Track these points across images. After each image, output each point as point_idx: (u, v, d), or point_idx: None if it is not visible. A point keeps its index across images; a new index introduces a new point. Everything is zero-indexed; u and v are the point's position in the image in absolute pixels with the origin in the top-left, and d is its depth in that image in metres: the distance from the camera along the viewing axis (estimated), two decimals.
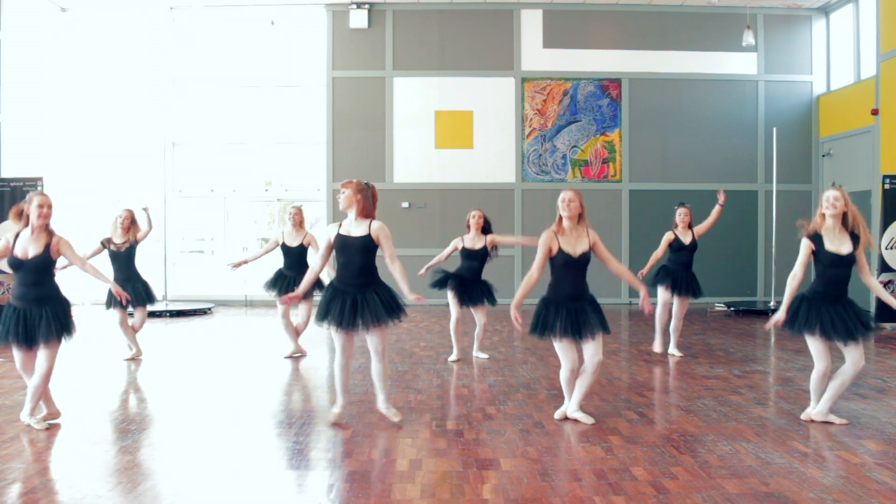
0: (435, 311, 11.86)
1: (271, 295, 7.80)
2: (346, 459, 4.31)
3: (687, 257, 7.53)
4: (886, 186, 9.75)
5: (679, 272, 7.51)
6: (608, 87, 13.27)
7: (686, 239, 7.54)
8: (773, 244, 12.08)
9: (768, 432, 4.82)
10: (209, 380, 6.75)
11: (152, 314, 11.17)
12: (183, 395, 6.14)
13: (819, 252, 4.85)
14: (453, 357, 7.53)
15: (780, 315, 4.99)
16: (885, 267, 9.73)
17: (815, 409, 5.05)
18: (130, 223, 7.68)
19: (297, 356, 7.81)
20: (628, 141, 13.21)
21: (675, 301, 7.61)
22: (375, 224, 4.92)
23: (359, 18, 12.96)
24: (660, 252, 7.54)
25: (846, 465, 4.17)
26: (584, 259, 4.92)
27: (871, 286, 4.98)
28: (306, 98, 13.35)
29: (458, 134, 13.18)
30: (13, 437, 4.73)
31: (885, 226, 9.72)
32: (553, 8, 13.20)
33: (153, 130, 13.23)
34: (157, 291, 8.18)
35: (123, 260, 7.58)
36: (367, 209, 4.94)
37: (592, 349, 4.97)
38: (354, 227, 4.91)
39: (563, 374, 5.08)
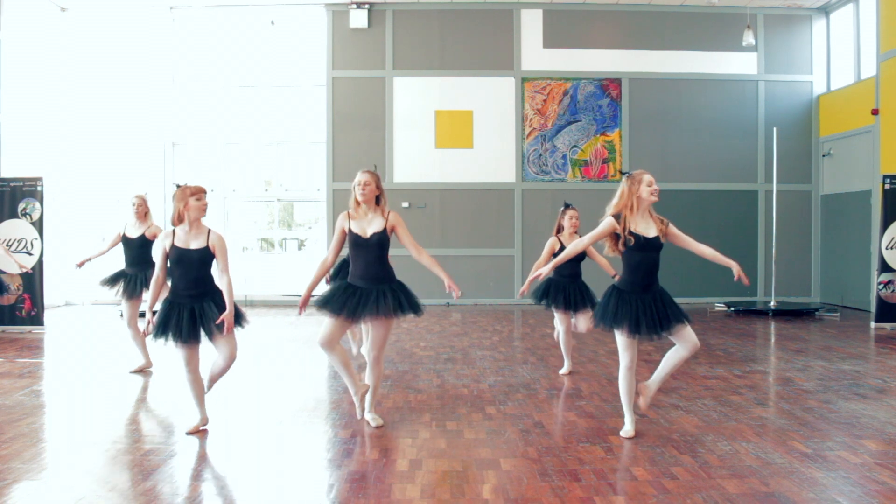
0: (435, 311, 11.86)
1: (113, 293, 6.98)
2: (346, 459, 4.31)
3: (572, 268, 6.46)
4: (886, 186, 9.75)
5: (567, 285, 6.49)
6: (608, 87, 13.27)
7: None
8: (774, 244, 12.08)
9: (768, 432, 4.82)
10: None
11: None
12: (181, 394, 6.13)
13: (625, 235, 4.55)
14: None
15: (542, 270, 4.89)
16: (885, 267, 9.72)
17: (648, 381, 4.81)
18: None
19: (146, 370, 7.02)
20: (628, 141, 13.21)
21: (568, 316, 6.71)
22: (213, 235, 4.79)
23: (359, 18, 12.95)
24: (542, 260, 6.37)
25: (846, 465, 4.17)
26: (374, 241, 4.75)
27: (704, 253, 4.65)
28: (306, 98, 13.35)
29: (458, 134, 13.18)
30: (13, 437, 4.73)
31: (885, 226, 9.71)
32: (553, 8, 13.20)
33: (153, 130, 13.24)
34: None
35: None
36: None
37: (371, 340, 4.91)
38: (193, 239, 4.75)
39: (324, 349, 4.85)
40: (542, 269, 4.95)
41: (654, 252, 4.60)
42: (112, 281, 7.00)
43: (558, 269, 6.43)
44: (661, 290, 4.64)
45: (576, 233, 6.54)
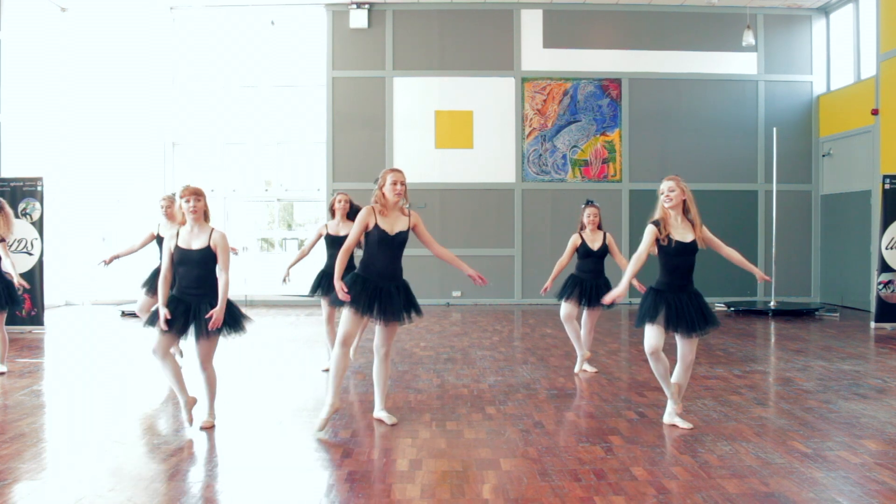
0: (435, 311, 11.86)
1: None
2: (346, 459, 4.31)
3: (595, 264, 6.64)
4: (886, 186, 9.75)
5: (588, 280, 6.60)
6: (608, 87, 13.27)
7: (595, 244, 6.61)
8: (773, 244, 12.08)
9: (768, 432, 4.82)
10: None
11: None
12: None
13: (663, 241, 4.80)
14: (326, 366, 6.90)
15: (619, 290, 4.99)
16: (885, 267, 9.72)
17: (667, 411, 5.07)
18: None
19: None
20: (628, 141, 13.21)
21: (584, 312, 6.76)
22: (216, 234, 4.80)
23: (359, 18, 12.96)
24: (565, 259, 6.63)
25: (846, 465, 4.17)
26: (399, 239, 4.90)
27: (731, 256, 5.01)
28: (306, 98, 13.35)
29: (458, 134, 13.18)
30: (13, 437, 4.73)
31: (885, 226, 9.71)
32: (553, 8, 13.20)
33: (153, 130, 13.23)
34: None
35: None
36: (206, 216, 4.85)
37: (381, 337, 5.02)
38: (195, 238, 4.77)
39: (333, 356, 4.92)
40: (618, 291, 5.02)
41: (690, 256, 4.84)
42: (152, 283, 6.91)
43: (580, 266, 6.73)
44: (696, 293, 4.89)
45: (598, 228, 6.67)
